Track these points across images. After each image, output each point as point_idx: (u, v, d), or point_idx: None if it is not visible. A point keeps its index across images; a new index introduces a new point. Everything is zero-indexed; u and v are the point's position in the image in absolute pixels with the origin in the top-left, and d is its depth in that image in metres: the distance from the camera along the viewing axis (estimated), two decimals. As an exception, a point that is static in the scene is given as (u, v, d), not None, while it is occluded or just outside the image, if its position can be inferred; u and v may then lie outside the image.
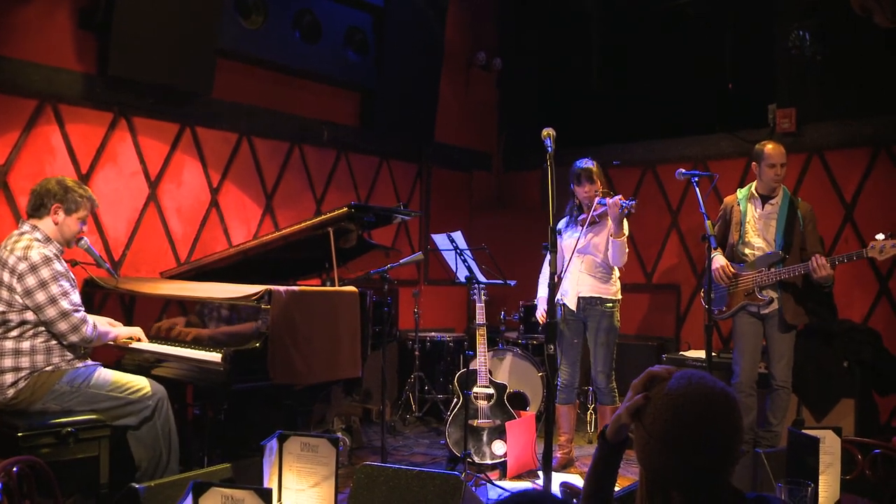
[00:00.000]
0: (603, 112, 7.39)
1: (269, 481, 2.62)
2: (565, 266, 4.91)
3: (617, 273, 5.03)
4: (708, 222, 4.47)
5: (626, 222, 4.89)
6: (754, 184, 5.04)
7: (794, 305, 4.84)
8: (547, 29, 8.04)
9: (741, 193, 5.08)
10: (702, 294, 5.15)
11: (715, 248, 4.78)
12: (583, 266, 4.97)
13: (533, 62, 8.23)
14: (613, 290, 4.98)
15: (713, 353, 4.58)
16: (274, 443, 2.65)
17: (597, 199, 4.79)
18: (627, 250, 4.90)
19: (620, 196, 4.66)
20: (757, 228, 4.95)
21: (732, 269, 4.92)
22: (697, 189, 4.59)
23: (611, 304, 4.95)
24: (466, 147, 8.05)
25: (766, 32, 6.51)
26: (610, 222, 4.78)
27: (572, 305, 4.99)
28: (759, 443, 4.85)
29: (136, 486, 2.61)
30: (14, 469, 2.45)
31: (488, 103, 8.38)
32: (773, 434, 4.83)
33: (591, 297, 4.96)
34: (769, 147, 4.90)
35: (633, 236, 7.18)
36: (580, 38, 7.70)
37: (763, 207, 4.95)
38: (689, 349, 6.31)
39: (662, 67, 7.04)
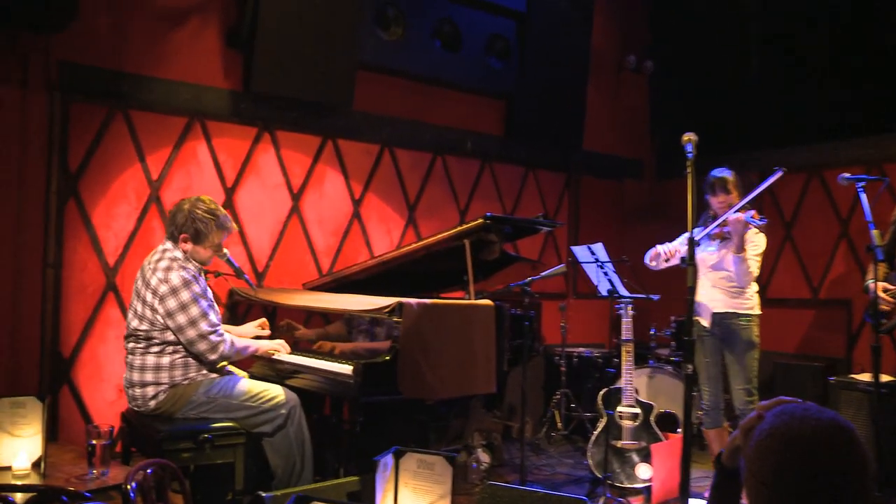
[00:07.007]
0: (762, 113, 6.87)
1: (383, 498, 2.51)
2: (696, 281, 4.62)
3: (754, 287, 4.66)
4: (875, 232, 4.02)
5: (764, 238, 4.56)
6: None
7: None
8: (702, 28, 7.58)
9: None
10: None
11: (881, 261, 4.30)
12: (716, 282, 4.66)
13: (687, 63, 7.79)
14: (749, 304, 4.62)
15: (887, 378, 4.08)
16: (389, 458, 2.56)
17: (726, 213, 4.45)
18: (752, 271, 4.53)
19: (754, 212, 4.31)
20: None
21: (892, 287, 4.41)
22: (864, 195, 4.14)
23: (747, 319, 4.60)
24: (617, 155, 7.75)
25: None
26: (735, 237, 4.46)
27: (706, 323, 4.68)
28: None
29: (263, 494, 2.60)
30: (148, 471, 2.55)
31: (639, 108, 8.02)
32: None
33: (726, 313, 4.63)
34: None
35: (796, 248, 6.67)
36: (738, 35, 7.20)
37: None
38: (863, 372, 5.70)
39: (830, 62, 6.44)
